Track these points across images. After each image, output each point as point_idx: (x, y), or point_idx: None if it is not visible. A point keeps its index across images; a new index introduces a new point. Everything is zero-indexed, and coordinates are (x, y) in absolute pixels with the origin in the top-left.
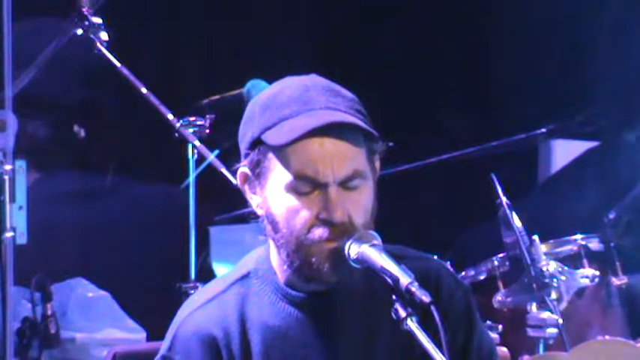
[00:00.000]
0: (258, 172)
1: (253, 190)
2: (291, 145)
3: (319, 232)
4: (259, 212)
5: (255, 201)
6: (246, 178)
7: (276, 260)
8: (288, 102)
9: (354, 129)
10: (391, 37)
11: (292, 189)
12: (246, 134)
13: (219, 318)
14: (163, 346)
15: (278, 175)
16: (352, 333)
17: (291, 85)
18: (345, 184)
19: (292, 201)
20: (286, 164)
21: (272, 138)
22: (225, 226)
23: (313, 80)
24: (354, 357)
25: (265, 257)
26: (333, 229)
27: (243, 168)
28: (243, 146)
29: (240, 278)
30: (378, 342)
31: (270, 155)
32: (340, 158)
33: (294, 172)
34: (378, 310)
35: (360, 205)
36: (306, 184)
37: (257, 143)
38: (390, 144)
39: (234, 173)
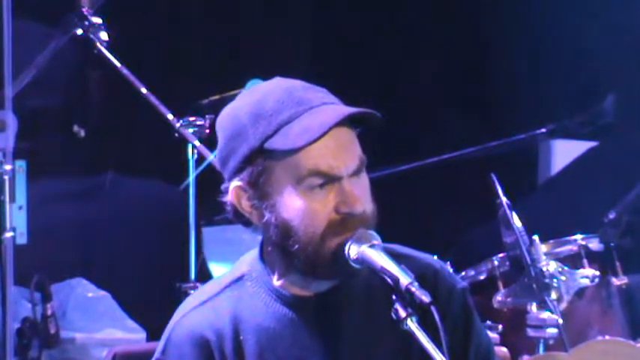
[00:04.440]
0: (262, 182)
1: (252, 202)
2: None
3: (341, 226)
4: (261, 224)
5: (255, 213)
6: (240, 193)
7: (271, 262)
8: (281, 106)
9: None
10: (390, 37)
11: (305, 189)
12: (237, 149)
13: (212, 320)
14: (158, 348)
15: (287, 179)
16: (349, 334)
17: (269, 91)
18: (354, 174)
19: (306, 201)
20: (297, 165)
21: (283, 143)
22: (220, 226)
23: (286, 82)
24: (352, 358)
25: (258, 260)
26: (352, 221)
27: (237, 182)
28: (233, 162)
29: (234, 281)
30: (376, 342)
31: (276, 162)
32: (349, 150)
33: (308, 171)
34: (377, 311)
35: (366, 191)
36: (319, 181)
37: (257, 154)
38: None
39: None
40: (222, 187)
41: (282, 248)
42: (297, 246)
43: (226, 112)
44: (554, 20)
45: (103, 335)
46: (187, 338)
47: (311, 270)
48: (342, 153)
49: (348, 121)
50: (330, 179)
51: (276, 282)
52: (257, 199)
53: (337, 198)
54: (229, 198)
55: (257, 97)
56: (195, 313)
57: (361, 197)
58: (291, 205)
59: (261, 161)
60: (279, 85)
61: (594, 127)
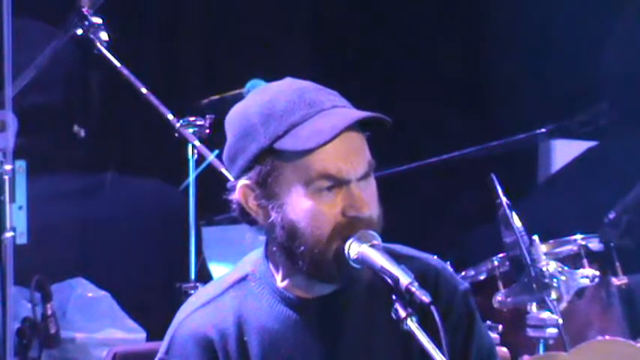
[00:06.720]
0: (270, 182)
1: (259, 201)
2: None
3: (347, 229)
4: (267, 224)
5: (261, 212)
6: (247, 192)
7: (275, 263)
8: (292, 107)
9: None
10: (391, 38)
11: (314, 191)
12: (246, 148)
13: (216, 320)
14: (161, 348)
15: (296, 180)
16: (351, 334)
17: (280, 91)
18: (363, 178)
19: (314, 203)
20: (306, 167)
21: (293, 144)
22: (220, 226)
23: (298, 83)
24: (353, 359)
25: (263, 260)
26: (359, 224)
27: (244, 181)
28: (242, 161)
29: (238, 281)
30: (377, 343)
31: (285, 162)
32: (358, 154)
33: (317, 173)
34: (379, 314)
35: (373, 195)
36: (327, 184)
37: (266, 154)
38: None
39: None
40: (229, 184)
41: (288, 249)
42: (302, 247)
43: (236, 110)
44: (554, 20)
45: (103, 335)
46: (191, 338)
47: (315, 272)
48: (351, 157)
49: (357, 125)
50: (338, 182)
51: (280, 283)
52: (264, 199)
53: (345, 201)
54: (236, 196)
55: (268, 97)
56: (199, 313)
57: (369, 201)
58: (299, 206)
59: (270, 161)
60: (290, 85)
61: (594, 127)
